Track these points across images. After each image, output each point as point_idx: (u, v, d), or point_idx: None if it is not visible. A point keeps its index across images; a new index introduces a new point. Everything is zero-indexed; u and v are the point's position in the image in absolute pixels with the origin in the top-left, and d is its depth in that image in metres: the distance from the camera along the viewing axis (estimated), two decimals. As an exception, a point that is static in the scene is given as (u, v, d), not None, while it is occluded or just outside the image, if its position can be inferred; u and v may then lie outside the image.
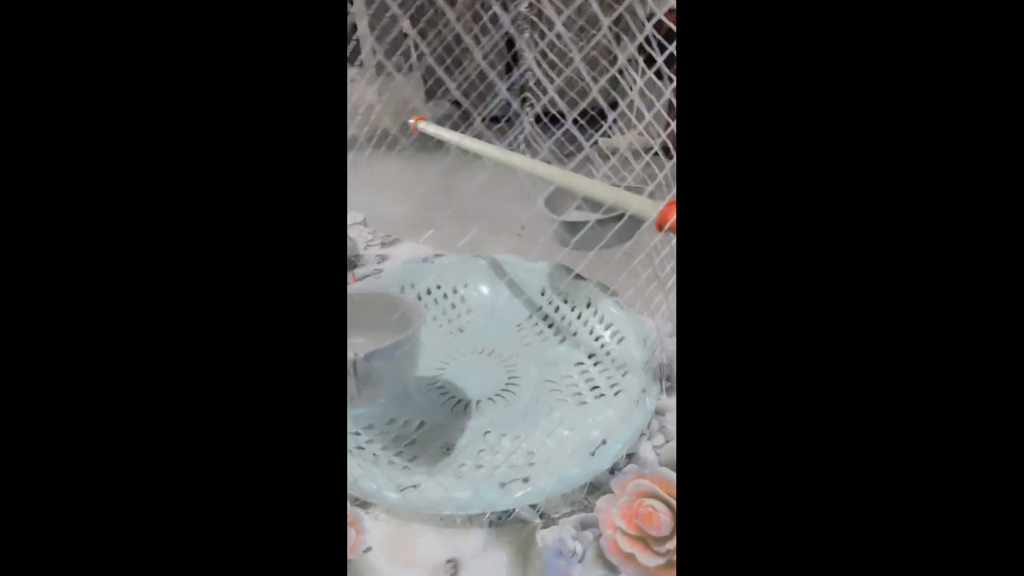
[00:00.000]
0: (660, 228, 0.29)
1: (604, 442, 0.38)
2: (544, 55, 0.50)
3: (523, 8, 0.43)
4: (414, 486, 0.34)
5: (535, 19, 0.50)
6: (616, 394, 0.47)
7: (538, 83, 0.52)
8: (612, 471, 0.39)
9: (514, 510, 0.36)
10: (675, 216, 0.28)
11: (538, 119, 0.56)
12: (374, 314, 0.40)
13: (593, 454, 0.37)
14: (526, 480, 0.35)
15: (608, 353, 0.52)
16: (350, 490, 0.36)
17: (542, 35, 0.51)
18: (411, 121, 0.54)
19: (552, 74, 0.46)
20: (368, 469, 0.36)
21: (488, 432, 0.45)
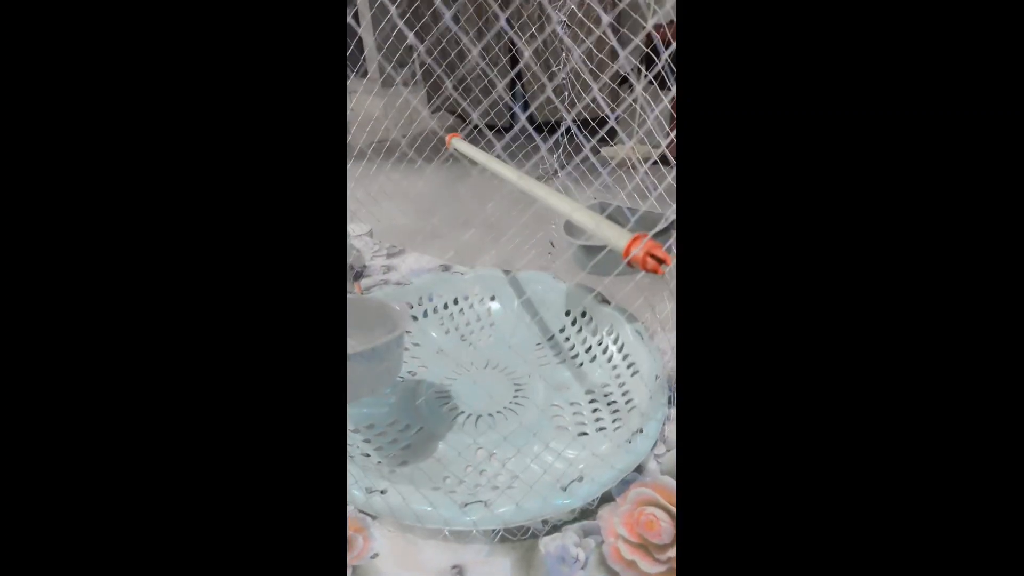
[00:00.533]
0: (625, 260, 0.28)
1: (580, 479, 0.36)
2: (577, 76, 0.49)
3: (559, 29, 0.44)
4: (381, 491, 0.35)
5: (570, 37, 0.50)
6: (616, 429, 0.44)
7: (572, 101, 0.52)
8: (590, 506, 0.37)
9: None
10: (637, 251, 0.27)
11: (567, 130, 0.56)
12: (362, 319, 0.42)
13: (565, 488, 0.36)
14: (487, 504, 0.34)
15: (622, 384, 0.49)
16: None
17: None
18: (446, 138, 0.56)
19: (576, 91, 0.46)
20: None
21: (480, 448, 0.45)
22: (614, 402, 0.48)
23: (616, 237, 0.28)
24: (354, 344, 0.34)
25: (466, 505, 0.34)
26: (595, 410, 0.48)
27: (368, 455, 0.44)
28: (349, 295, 0.54)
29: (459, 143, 0.55)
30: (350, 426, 0.46)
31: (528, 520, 0.34)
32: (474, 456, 0.44)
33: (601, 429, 0.45)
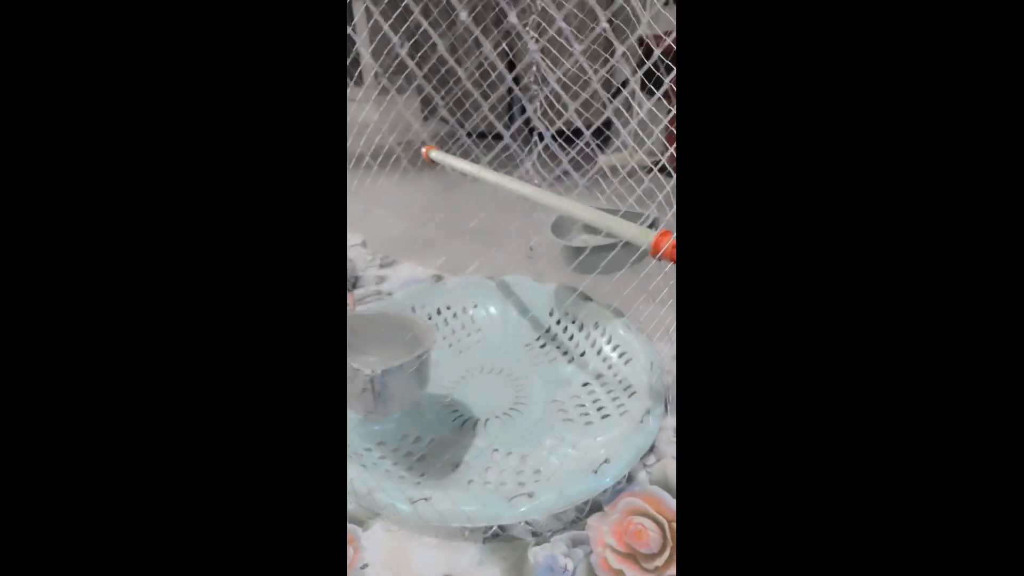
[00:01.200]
0: (654, 255, 0.31)
1: (607, 461, 0.39)
2: (565, 82, 0.52)
3: (539, 44, 0.46)
4: (425, 499, 0.36)
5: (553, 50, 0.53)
6: (622, 415, 0.48)
7: (553, 107, 0.55)
8: (613, 489, 0.40)
9: (506, 528, 0.38)
10: (668, 244, 0.30)
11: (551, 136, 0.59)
12: (387, 332, 0.42)
13: (596, 471, 0.38)
14: (531, 495, 0.36)
15: (616, 374, 0.53)
16: (363, 502, 0.38)
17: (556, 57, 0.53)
18: (423, 150, 0.57)
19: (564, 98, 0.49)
20: (380, 482, 0.37)
21: (496, 450, 0.46)
22: (613, 390, 0.52)
23: (641, 235, 0.32)
24: (393, 358, 0.35)
25: (511, 499, 0.36)
26: (595, 400, 0.51)
27: (388, 470, 0.43)
28: (368, 310, 0.53)
29: (437, 154, 0.56)
30: (363, 445, 0.46)
31: (569, 505, 0.37)
32: (491, 457, 0.45)
33: (606, 416, 0.49)
